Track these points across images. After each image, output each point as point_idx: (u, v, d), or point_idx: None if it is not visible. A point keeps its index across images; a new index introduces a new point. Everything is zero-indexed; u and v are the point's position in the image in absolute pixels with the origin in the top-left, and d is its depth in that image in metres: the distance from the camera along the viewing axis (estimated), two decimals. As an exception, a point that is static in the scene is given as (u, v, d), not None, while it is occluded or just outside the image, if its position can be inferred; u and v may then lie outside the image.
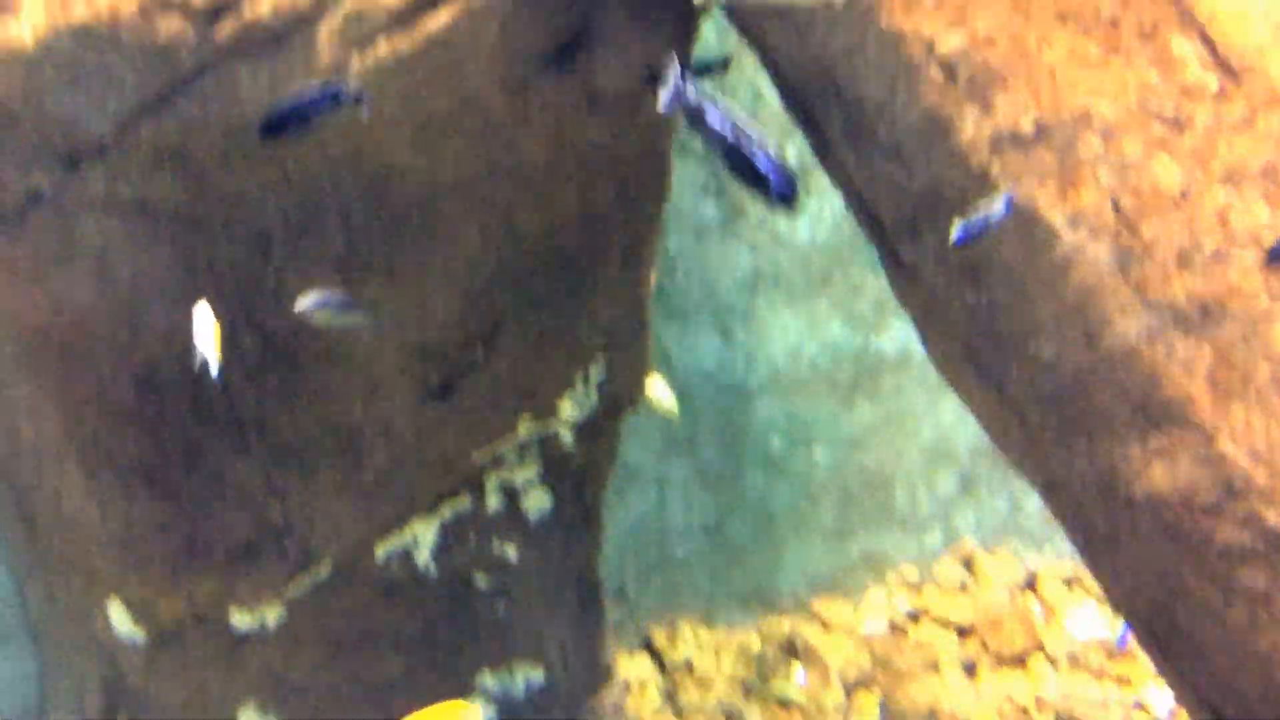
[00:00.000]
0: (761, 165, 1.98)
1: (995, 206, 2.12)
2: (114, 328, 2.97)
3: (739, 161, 1.99)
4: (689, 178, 4.39)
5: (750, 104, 4.15)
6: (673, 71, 2.02)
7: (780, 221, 4.48)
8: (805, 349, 4.64)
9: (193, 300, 2.61)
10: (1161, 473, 2.13)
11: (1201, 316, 2.12)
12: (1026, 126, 2.17)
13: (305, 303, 2.58)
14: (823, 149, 2.55)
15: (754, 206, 4.44)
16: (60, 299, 2.95)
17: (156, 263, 2.92)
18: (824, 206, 4.47)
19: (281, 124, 2.46)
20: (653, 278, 3.60)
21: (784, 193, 2.00)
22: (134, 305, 2.95)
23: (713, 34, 3.51)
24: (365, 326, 2.74)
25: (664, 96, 2.02)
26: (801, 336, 4.62)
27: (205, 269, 2.93)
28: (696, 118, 2.01)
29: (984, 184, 2.22)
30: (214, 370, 2.51)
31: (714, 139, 2.00)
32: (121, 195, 2.84)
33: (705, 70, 2.83)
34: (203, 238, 2.92)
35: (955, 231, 2.09)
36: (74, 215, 2.85)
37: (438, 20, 2.75)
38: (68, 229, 2.87)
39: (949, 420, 4.69)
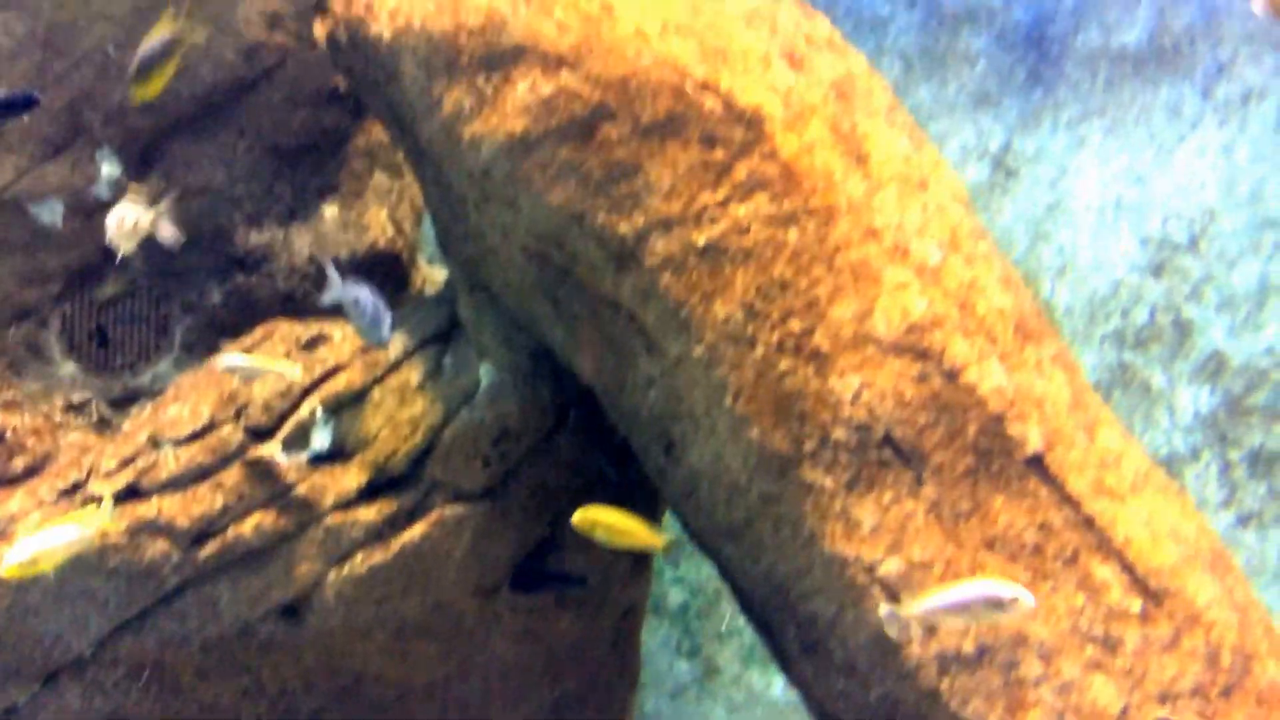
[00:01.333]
0: None
1: None
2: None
3: None
4: (663, 637, 4.44)
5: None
6: None
7: (755, 678, 4.49)
8: (788, 809, 4.52)
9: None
10: None
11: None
12: (969, 647, 2.28)
13: None
14: (783, 660, 2.64)
15: (729, 664, 4.47)
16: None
17: (125, 776, 2.92)
18: (797, 661, 4.50)
19: None
20: (626, 758, 3.57)
21: None
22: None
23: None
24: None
25: None
26: (784, 796, 4.52)
27: (173, 780, 2.92)
28: None
29: (935, 702, 2.29)
30: None
31: None
32: (96, 709, 2.88)
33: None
34: (174, 749, 2.93)
35: None
36: (47, 731, 2.89)
37: (412, 533, 2.91)
38: (40, 745, 2.90)
39: None
